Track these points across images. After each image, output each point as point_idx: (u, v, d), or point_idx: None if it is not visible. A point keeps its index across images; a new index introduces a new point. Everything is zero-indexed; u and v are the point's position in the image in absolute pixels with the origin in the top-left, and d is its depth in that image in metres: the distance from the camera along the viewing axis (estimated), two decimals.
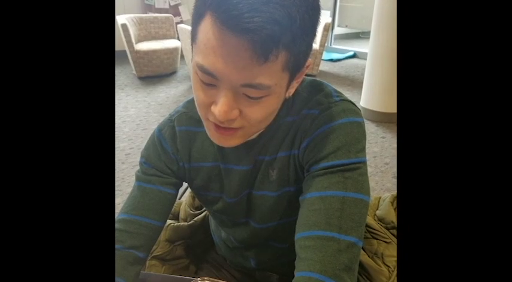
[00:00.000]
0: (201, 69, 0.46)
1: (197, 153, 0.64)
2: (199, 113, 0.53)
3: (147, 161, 0.65)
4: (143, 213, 0.62)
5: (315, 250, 0.49)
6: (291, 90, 0.54)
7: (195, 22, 0.47)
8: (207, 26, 0.44)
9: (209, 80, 0.47)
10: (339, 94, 0.59)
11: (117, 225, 0.62)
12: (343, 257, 0.49)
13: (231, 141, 0.54)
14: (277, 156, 0.60)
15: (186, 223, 0.88)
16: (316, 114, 0.56)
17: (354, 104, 0.58)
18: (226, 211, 0.68)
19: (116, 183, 2.17)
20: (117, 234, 0.61)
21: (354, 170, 0.53)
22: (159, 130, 0.66)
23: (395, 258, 0.77)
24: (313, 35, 0.48)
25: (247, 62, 0.43)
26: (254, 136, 0.59)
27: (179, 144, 0.64)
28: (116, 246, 0.60)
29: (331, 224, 0.50)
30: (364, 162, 0.55)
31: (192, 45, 0.49)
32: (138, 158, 2.61)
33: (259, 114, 0.49)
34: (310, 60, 0.52)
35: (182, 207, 0.95)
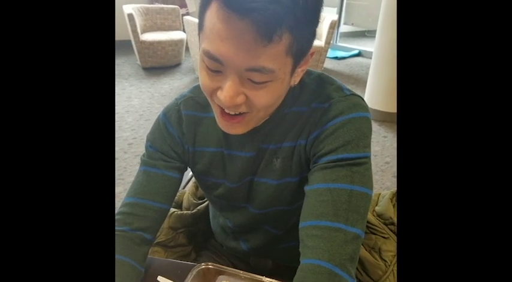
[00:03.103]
0: (207, 55, 0.48)
1: (202, 138, 0.66)
2: (206, 97, 0.55)
3: (152, 144, 0.66)
4: (149, 196, 0.64)
5: (323, 239, 0.51)
6: (296, 79, 0.55)
7: (202, 10, 0.48)
8: (212, 13, 0.46)
9: (215, 66, 0.48)
10: (349, 89, 0.60)
11: (123, 209, 0.63)
12: (349, 247, 0.51)
13: (237, 129, 0.55)
14: (282, 145, 0.61)
15: (189, 212, 0.90)
16: (326, 107, 0.58)
17: (362, 99, 0.59)
18: (227, 196, 0.69)
19: (118, 172, 2.19)
20: (123, 217, 0.62)
21: (361, 164, 0.55)
22: (164, 114, 0.67)
23: (393, 253, 0.79)
24: (316, 21, 0.49)
25: (252, 44, 0.44)
26: (258, 123, 0.60)
27: (185, 128, 0.65)
28: (123, 228, 0.61)
29: (338, 215, 0.52)
30: (369, 158, 0.56)
31: (199, 34, 0.51)
32: (140, 148, 2.59)
33: (265, 99, 0.51)
34: (313, 48, 0.53)
35: (185, 196, 0.96)
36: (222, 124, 0.56)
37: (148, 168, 0.65)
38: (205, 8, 0.47)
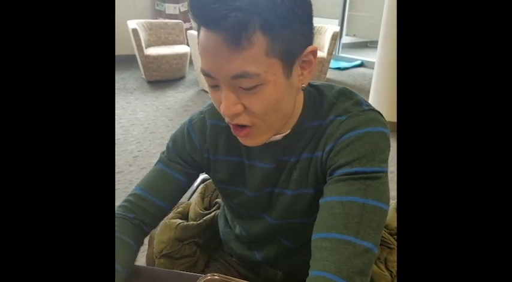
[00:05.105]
0: (203, 72, 0.51)
1: (223, 147, 0.67)
2: None
3: (173, 145, 0.70)
4: (157, 194, 0.69)
5: (331, 252, 0.50)
6: (304, 81, 0.55)
7: (198, 34, 0.52)
8: (201, 33, 0.50)
9: (211, 81, 0.52)
10: (368, 104, 0.60)
11: (132, 198, 0.69)
12: (358, 261, 0.50)
13: (250, 141, 0.57)
14: (301, 157, 0.62)
15: (195, 222, 0.90)
16: (343, 120, 0.58)
17: (381, 115, 0.59)
18: (246, 205, 0.70)
19: (123, 186, 2.20)
20: (131, 205, 0.69)
21: (376, 178, 0.54)
22: (190, 121, 0.70)
23: None
24: (298, 19, 0.49)
25: (227, 53, 0.47)
26: (279, 137, 0.62)
27: (208, 136, 0.68)
28: (130, 215, 0.68)
29: (349, 228, 0.51)
30: (385, 172, 0.56)
31: None
32: (146, 161, 2.58)
33: (260, 105, 0.51)
34: (312, 47, 0.53)
35: (192, 207, 0.97)
36: (237, 137, 0.59)
37: (163, 166, 0.70)
38: (198, 32, 0.51)
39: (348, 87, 0.64)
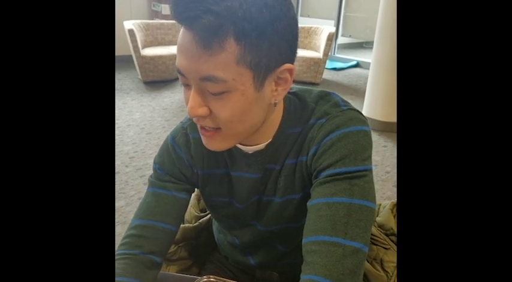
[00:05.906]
0: (176, 69, 0.51)
1: (208, 161, 0.66)
2: None
3: (161, 167, 0.67)
4: (160, 218, 0.64)
5: (321, 254, 0.50)
6: (277, 98, 0.55)
7: None
8: (180, 30, 0.49)
9: (183, 79, 0.51)
10: (346, 103, 0.61)
11: (133, 231, 0.63)
12: (348, 262, 0.50)
13: (213, 144, 0.56)
14: (285, 164, 0.62)
15: (191, 225, 0.90)
16: (323, 123, 0.58)
17: (360, 113, 0.60)
18: (235, 215, 0.70)
19: (120, 186, 2.19)
20: (134, 239, 0.63)
21: (361, 177, 0.54)
22: (173, 137, 0.67)
23: (394, 264, 0.79)
24: (277, 34, 0.48)
25: (197, 53, 0.47)
26: (261, 146, 0.61)
27: (193, 151, 0.66)
28: (134, 251, 0.62)
29: (337, 229, 0.51)
30: (370, 170, 0.56)
31: None
32: (142, 162, 2.56)
33: (225, 112, 0.51)
34: (289, 65, 0.52)
35: (187, 209, 0.97)
36: (202, 139, 0.57)
37: (158, 189, 0.66)
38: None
39: (326, 90, 0.64)
